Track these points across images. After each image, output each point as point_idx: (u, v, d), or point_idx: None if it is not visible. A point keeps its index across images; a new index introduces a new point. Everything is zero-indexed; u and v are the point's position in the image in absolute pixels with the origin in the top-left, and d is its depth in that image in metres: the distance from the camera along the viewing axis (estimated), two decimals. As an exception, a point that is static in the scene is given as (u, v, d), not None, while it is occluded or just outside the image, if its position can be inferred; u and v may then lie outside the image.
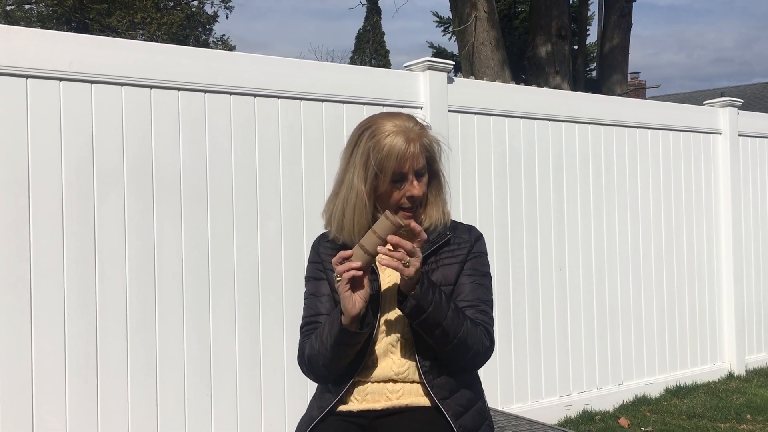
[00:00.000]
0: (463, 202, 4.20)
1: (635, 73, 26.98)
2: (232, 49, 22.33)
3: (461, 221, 2.00)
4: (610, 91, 9.72)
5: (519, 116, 4.53)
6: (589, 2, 13.17)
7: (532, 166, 4.59)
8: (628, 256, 5.03)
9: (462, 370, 1.83)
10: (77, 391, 3.03)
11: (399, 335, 1.81)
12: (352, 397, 1.82)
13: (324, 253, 1.92)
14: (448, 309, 1.73)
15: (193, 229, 3.33)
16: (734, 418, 4.53)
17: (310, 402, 1.92)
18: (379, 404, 1.79)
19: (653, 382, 5.11)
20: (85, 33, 3.20)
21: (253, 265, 3.49)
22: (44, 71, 3.00)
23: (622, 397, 4.90)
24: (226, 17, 30.79)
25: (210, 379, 3.35)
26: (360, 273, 1.67)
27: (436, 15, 15.59)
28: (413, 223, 1.73)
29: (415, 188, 1.81)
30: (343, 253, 1.70)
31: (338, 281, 1.69)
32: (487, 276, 1.91)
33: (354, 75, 3.94)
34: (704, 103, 5.80)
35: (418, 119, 1.89)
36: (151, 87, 3.25)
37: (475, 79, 5.63)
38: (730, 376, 5.55)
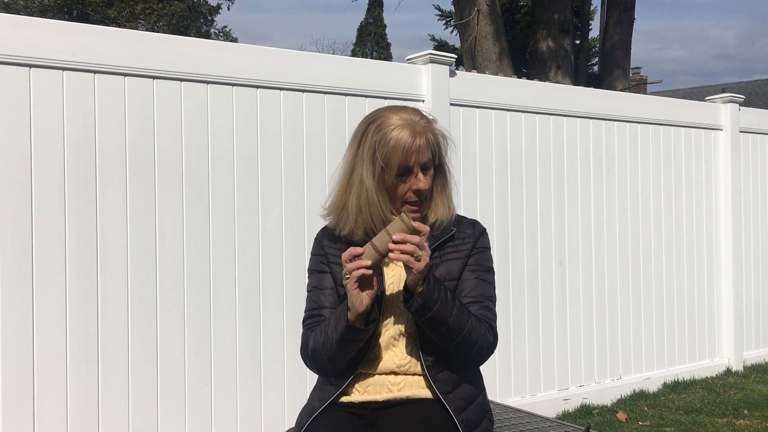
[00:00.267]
0: (464, 196, 4.21)
1: (637, 68, 26.94)
2: (233, 40, 22.31)
3: (463, 215, 2.00)
4: (611, 87, 9.71)
5: (520, 110, 4.53)
6: (592, -3, 13.14)
7: (533, 161, 4.59)
8: (627, 251, 5.04)
9: (466, 366, 1.85)
10: (78, 380, 3.04)
11: (402, 329, 1.81)
12: (353, 389, 1.83)
13: (328, 246, 1.92)
14: (454, 306, 1.74)
15: (195, 219, 3.34)
16: (731, 413, 4.55)
17: (311, 393, 1.93)
18: (380, 396, 1.79)
19: (651, 377, 5.13)
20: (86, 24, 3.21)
21: (254, 255, 3.50)
22: (47, 61, 3.00)
23: (620, 392, 4.92)
24: (228, 8, 30.70)
25: (210, 369, 3.36)
26: (370, 272, 1.68)
27: (438, 8, 15.56)
28: (419, 224, 1.71)
29: (421, 182, 1.81)
30: (353, 251, 1.69)
31: (347, 278, 1.69)
32: (491, 271, 1.92)
33: (356, 67, 3.94)
34: (706, 99, 5.80)
35: (424, 113, 1.89)
36: (154, 77, 3.25)
37: (477, 72, 5.62)
38: (728, 372, 5.57)
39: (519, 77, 5.97)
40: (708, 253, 5.57)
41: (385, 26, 31.74)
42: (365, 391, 1.81)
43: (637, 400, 4.85)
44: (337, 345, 1.75)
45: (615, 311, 4.97)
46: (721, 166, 5.67)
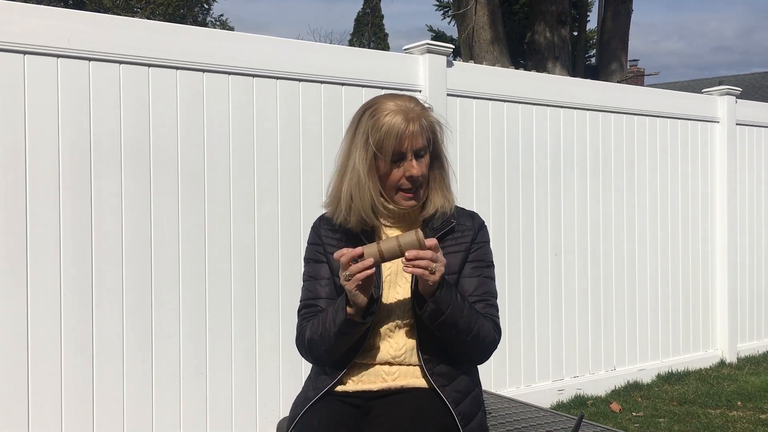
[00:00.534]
0: (461, 186, 4.20)
1: (634, 60, 26.91)
2: (230, 29, 22.19)
3: (462, 206, 1.99)
4: (608, 79, 9.71)
5: (518, 101, 4.53)
6: (590, -12, 13.11)
7: (530, 152, 4.59)
8: (623, 242, 5.05)
9: (471, 363, 1.86)
10: (73, 368, 3.04)
11: (398, 321, 1.81)
12: (348, 379, 1.82)
13: (325, 235, 1.91)
14: (464, 308, 1.75)
15: (190, 208, 3.33)
16: (725, 404, 4.57)
17: (306, 382, 1.92)
18: (375, 385, 1.80)
19: (645, 368, 5.14)
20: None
21: (249, 244, 3.49)
22: (42, 48, 2.98)
23: (615, 383, 4.94)
24: (224, -3, 30.59)
25: (205, 358, 3.37)
26: (372, 271, 1.67)
27: (436, -2, 15.49)
28: (429, 240, 1.69)
29: (414, 168, 1.80)
30: (352, 253, 1.67)
31: (347, 279, 1.67)
32: (491, 266, 1.92)
33: (353, 57, 3.93)
34: (703, 91, 5.80)
35: (420, 101, 1.88)
36: (149, 65, 3.23)
37: (475, 63, 5.61)
38: (722, 364, 5.60)
39: (516, 68, 5.96)
40: (703, 245, 5.58)
41: (382, 16, 31.64)
42: (360, 381, 1.81)
43: (631, 391, 4.87)
44: (335, 337, 1.75)
45: (610, 303, 4.98)
46: (718, 158, 5.68)
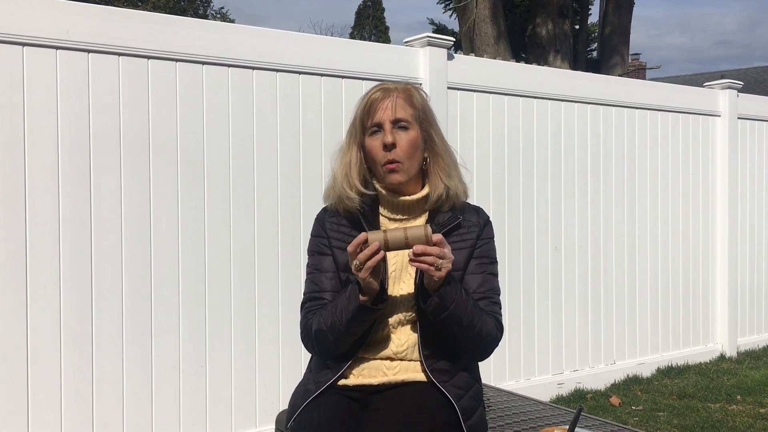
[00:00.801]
0: (461, 180, 4.19)
1: (636, 54, 26.86)
2: (231, 22, 22.14)
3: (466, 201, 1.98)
4: (609, 72, 9.68)
5: (519, 95, 4.52)
6: (592, -19, 13.06)
7: (531, 145, 4.58)
8: (623, 236, 5.04)
9: (472, 360, 1.86)
10: (72, 363, 3.04)
11: (401, 317, 1.81)
12: (349, 372, 1.82)
13: (330, 228, 1.89)
14: (468, 305, 1.74)
15: (189, 201, 3.33)
16: (724, 398, 4.57)
17: (305, 375, 1.92)
18: (375, 379, 1.79)
19: (645, 362, 5.15)
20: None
21: (248, 237, 3.49)
22: (41, 39, 2.97)
23: (614, 377, 4.94)
24: (225, -10, 30.48)
25: (205, 351, 3.37)
26: (381, 255, 1.66)
27: (437, -9, 15.43)
28: (437, 236, 1.68)
29: (388, 135, 1.79)
30: (358, 240, 1.66)
31: (358, 268, 1.66)
32: (495, 263, 1.92)
33: (353, 50, 3.91)
34: (704, 85, 5.78)
35: (414, 85, 1.91)
36: (149, 57, 3.22)
37: (475, 56, 5.59)
38: (722, 358, 5.60)
39: (517, 61, 5.94)
40: (704, 239, 5.57)
41: (383, 10, 31.54)
42: (360, 375, 1.81)
43: (630, 385, 4.87)
44: (346, 325, 1.73)
45: (610, 296, 4.98)
46: (719, 152, 5.66)
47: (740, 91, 5.79)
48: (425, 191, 1.87)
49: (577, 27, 12.05)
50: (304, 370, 1.97)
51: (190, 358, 3.33)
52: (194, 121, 3.34)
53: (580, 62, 11.19)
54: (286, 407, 1.91)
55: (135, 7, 19.63)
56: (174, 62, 3.29)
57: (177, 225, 3.29)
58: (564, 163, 4.73)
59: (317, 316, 1.82)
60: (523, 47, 11.58)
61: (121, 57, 3.15)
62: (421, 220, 1.88)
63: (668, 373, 5.16)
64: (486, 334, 1.78)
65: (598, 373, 4.88)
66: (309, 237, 1.96)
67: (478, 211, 1.94)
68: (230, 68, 3.44)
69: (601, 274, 4.92)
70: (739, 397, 4.61)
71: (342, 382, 1.80)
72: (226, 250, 3.43)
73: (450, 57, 4.21)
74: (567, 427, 1.98)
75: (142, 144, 3.21)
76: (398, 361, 1.80)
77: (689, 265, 5.47)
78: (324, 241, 1.90)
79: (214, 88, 3.40)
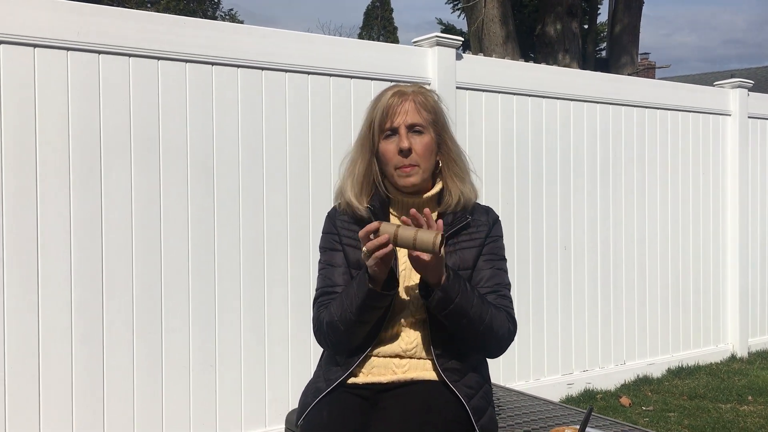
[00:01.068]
0: (470, 180, 4.19)
1: (645, 53, 26.76)
2: (239, 23, 22.20)
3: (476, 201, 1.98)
4: (619, 72, 9.65)
5: (527, 94, 4.51)
6: (601, -19, 13.02)
7: (540, 145, 4.57)
8: (633, 236, 5.02)
9: (488, 356, 1.86)
10: (82, 360, 3.05)
11: (411, 315, 1.81)
12: (359, 370, 1.82)
13: (341, 225, 1.91)
14: (474, 298, 1.73)
15: (199, 200, 3.34)
16: (735, 399, 4.55)
17: (315, 372, 1.92)
18: (384, 378, 1.79)
19: (655, 363, 5.12)
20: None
21: (258, 236, 3.50)
22: (52, 41, 2.99)
23: (624, 377, 4.93)
24: (234, -9, 30.57)
25: (214, 349, 3.38)
26: (390, 248, 1.66)
27: (446, -9, 15.42)
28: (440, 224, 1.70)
29: (404, 141, 1.80)
30: (369, 227, 1.67)
31: (366, 256, 1.67)
32: (504, 260, 1.92)
33: (362, 50, 3.92)
34: (714, 84, 5.75)
35: (427, 88, 1.91)
36: (159, 58, 3.24)
37: (484, 56, 5.58)
38: (733, 358, 5.57)
39: (526, 61, 5.93)
40: (714, 238, 5.54)
41: (392, 10, 31.52)
42: (369, 373, 1.81)
43: (640, 386, 4.85)
44: (357, 312, 1.73)
45: (620, 296, 4.96)
46: (729, 152, 5.63)
47: (751, 90, 5.76)
48: (435, 190, 1.88)
49: (586, 26, 12.01)
50: (314, 369, 1.97)
51: (199, 356, 3.34)
52: (204, 120, 3.36)
53: (589, 62, 11.16)
54: (296, 406, 1.91)
55: (145, 8, 19.72)
56: (184, 63, 3.30)
57: (186, 224, 3.31)
58: (573, 163, 4.72)
59: (328, 309, 1.82)
60: (531, 47, 11.55)
61: (131, 58, 3.17)
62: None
63: (679, 373, 5.13)
64: (498, 327, 1.77)
65: (608, 373, 4.86)
66: (319, 235, 1.97)
67: (487, 211, 1.95)
68: (239, 69, 3.45)
69: (611, 274, 4.90)
70: (750, 397, 4.59)
71: (351, 380, 1.81)
72: (235, 249, 3.44)
73: (458, 57, 4.21)
74: (578, 427, 1.98)
75: (152, 144, 3.22)
76: (408, 359, 1.80)
77: (700, 265, 5.44)
78: (335, 237, 1.91)
79: (224, 89, 3.41)
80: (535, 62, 6.54)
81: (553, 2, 9.13)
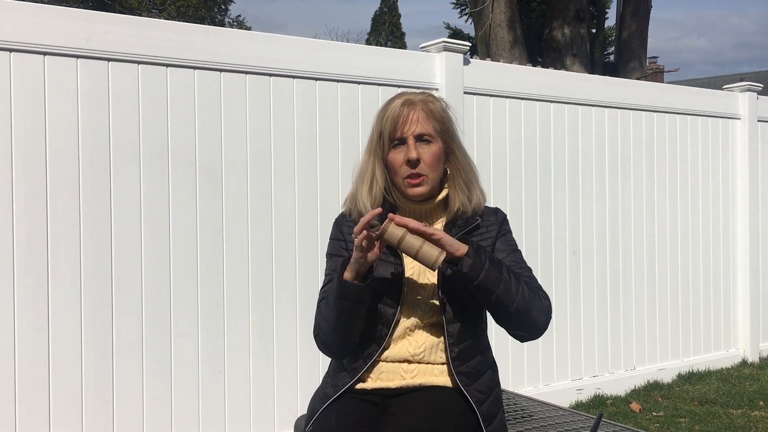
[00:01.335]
0: (478, 185, 4.18)
1: (654, 57, 26.68)
2: (247, 29, 22.30)
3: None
4: (627, 76, 9.62)
5: (535, 99, 4.50)
6: (608, -15, 13.01)
7: (548, 150, 4.56)
8: (642, 240, 5.00)
9: (530, 332, 1.81)
10: (92, 365, 3.06)
11: (418, 321, 1.81)
12: (367, 376, 1.82)
13: (347, 232, 1.91)
14: (503, 265, 1.74)
15: (208, 206, 3.35)
16: (747, 404, 4.52)
17: (324, 378, 1.93)
18: (393, 383, 1.79)
19: (666, 368, 5.09)
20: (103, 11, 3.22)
21: (266, 241, 3.50)
22: (61, 48, 3.01)
23: (634, 382, 4.90)
24: (242, -3, 30.69)
25: (223, 355, 3.38)
26: (366, 235, 1.67)
27: (453, -4, 15.45)
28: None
29: (412, 151, 1.80)
30: (374, 212, 1.68)
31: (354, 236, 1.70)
32: (518, 251, 1.93)
33: (369, 56, 3.93)
34: (723, 87, 5.73)
35: (435, 95, 1.91)
36: (167, 65, 3.25)
37: (491, 61, 5.58)
38: (744, 363, 5.53)
39: (534, 66, 5.92)
40: (724, 243, 5.51)
41: (399, 15, 31.55)
42: (378, 378, 1.81)
43: (651, 391, 4.82)
44: (334, 306, 1.74)
45: (629, 301, 4.94)
46: (739, 156, 5.61)
47: (760, 93, 5.73)
48: (442, 195, 1.88)
49: (594, 31, 12.00)
50: (322, 375, 1.97)
51: (208, 362, 3.34)
52: (212, 127, 3.37)
53: (598, 66, 11.13)
54: (305, 412, 1.91)
55: (154, 15, 19.85)
56: (192, 70, 3.32)
57: (195, 230, 3.32)
58: (582, 168, 4.71)
59: (318, 309, 1.85)
60: (539, 51, 11.54)
61: (140, 65, 3.19)
62: (439, 225, 1.89)
63: (689, 378, 5.10)
64: (533, 297, 1.76)
65: (618, 378, 4.83)
66: (327, 240, 1.98)
67: (496, 211, 1.96)
68: (247, 75, 3.47)
69: (620, 279, 4.88)
70: (761, 402, 4.55)
71: (360, 386, 1.81)
72: (243, 255, 3.44)
73: (466, 62, 4.21)
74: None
75: (161, 150, 3.24)
76: (416, 364, 1.80)
77: (710, 269, 5.41)
78: (342, 244, 1.91)
79: (232, 95, 3.42)
80: (542, 67, 6.53)
81: (561, 7, 9.12)
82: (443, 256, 1.66)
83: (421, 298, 1.81)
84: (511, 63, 5.72)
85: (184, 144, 3.29)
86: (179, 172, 3.28)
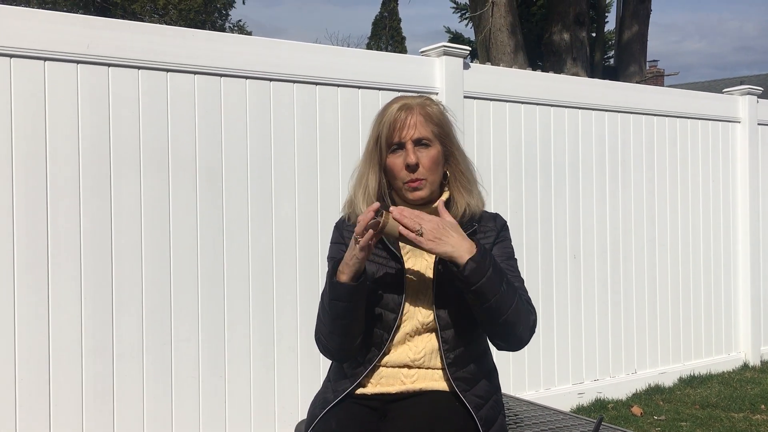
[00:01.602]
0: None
1: (654, 61, 26.72)
2: (248, 34, 22.34)
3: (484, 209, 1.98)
4: (627, 80, 9.63)
5: (535, 103, 4.51)
6: (608, -11, 13.03)
7: (548, 154, 4.56)
8: (643, 244, 5.00)
9: (511, 345, 1.79)
10: (92, 370, 3.06)
11: (418, 326, 1.80)
12: (367, 381, 1.82)
13: (347, 236, 1.91)
14: (505, 275, 1.71)
15: (209, 210, 3.35)
16: (748, 408, 4.51)
17: (324, 383, 1.92)
18: (393, 388, 1.79)
19: (667, 372, 5.09)
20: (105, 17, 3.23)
21: (267, 246, 3.51)
22: (61, 54, 3.02)
23: (636, 386, 4.89)
24: (243, 2, 30.74)
25: (224, 360, 3.38)
26: (369, 219, 1.66)
27: (453, 0, 15.45)
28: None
29: (411, 156, 1.79)
30: (374, 206, 1.67)
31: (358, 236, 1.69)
32: (514, 259, 1.91)
33: (369, 60, 3.93)
34: (723, 91, 5.74)
35: (432, 99, 1.91)
36: (168, 70, 3.26)
37: (492, 65, 5.59)
38: (745, 367, 5.52)
39: (534, 69, 5.93)
40: (725, 246, 5.51)
41: (399, 20, 31.62)
42: (378, 383, 1.81)
43: (652, 395, 4.82)
44: (329, 309, 1.74)
45: (630, 305, 4.93)
46: (739, 159, 5.61)
47: (760, 96, 5.74)
48: (442, 200, 1.87)
49: (594, 35, 12.01)
50: (323, 380, 1.97)
51: (208, 367, 3.34)
52: (212, 131, 3.37)
53: (598, 70, 11.15)
54: (305, 417, 1.91)
55: (155, 20, 19.89)
56: (192, 75, 3.32)
57: (196, 235, 3.32)
58: (582, 172, 4.71)
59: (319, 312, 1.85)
60: (539, 55, 11.56)
61: (140, 70, 3.20)
62: None
63: (691, 382, 5.10)
64: (523, 312, 1.74)
65: (620, 382, 4.83)
66: (328, 245, 1.99)
67: (495, 217, 1.95)
68: (248, 80, 3.47)
69: (621, 283, 4.88)
70: (763, 406, 4.54)
71: (360, 391, 1.80)
72: (244, 260, 3.44)
73: (466, 66, 4.22)
74: None
75: (162, 155, 3.24)
76: (416, 369, 1.80)
77: (711, 273, 5.41)
78: (342, 247, 1.91)
79: (232, 100, 3.43)
80: (542, 71, 6.54)
81: (560, 11, 9.13)
82: (391, 214, 1.67)
83: (420, 303, 1.81)
84: (511, 67, 5.73)
85: (185, 149, 3.30)
86: (180, 176, 3.28)
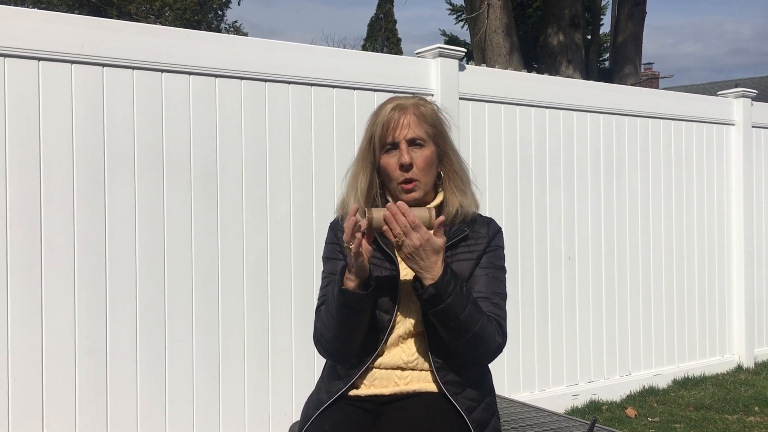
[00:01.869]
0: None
1: (649, 63, 26.80)
2: (244, 35, 22.30)
3: (479, 212, 1.97)
4: (622, 82, 9.65)
5: (530, 105, 4.51)
6: (604, -9, 13.05)
7: (543, 156, 4.57)
8: (638, 246, 5.01)
9: (470, 364, 1.81)
10: (86, 372, 3.05)
11: (411, 328, 1.80)
12: (360, 382, 1.81)
13: (341, 237, 1.91)
14: (466, 303, 1.70)
15: (203, 212, 3.35)
16: (742, 410, 4.52)
17: (318, 384, 1.92)
18: (387, 389, 1.79)
19: (661, 373, 5.10)
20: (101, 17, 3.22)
21: (262, 247, 3.50)
22: (56, 54, 3.01)
23: (630, 388, 4.90)
24: (238, 3, 30.72)
25: (218, 361, 3.37)
26: (356, 221, 1.65)
27: (449, 2, 15.46)
28: (437, 220, 1.69)
29: (405, 156, 1.79)
30: (348, 225, 1.66)
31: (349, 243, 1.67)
32: (502, 269, 1.89)
33: (365, 61, 3.93)
34: (718, 93, 5.76)
35: (427, 99, 1.91)
36: (162, 71, 3.25)
37: (487, 66, 5.59)
38: (739, 369, 5.54)
39: (529, 71, 5.94)
40: (719, 248, 5.53)
41: (395, 22, 31.62)
42: (372, 385, 1.81)
43: (646, 397, 4.82)
44: (336, 315, 1.72)
45: (625, 307, 4.94)
46: (733, 161, 5.63)
47: (755, 99, 5.76)
48: (436, 202, 1.87)
49: (589, 37, 12.03)
50: (317, 380, 1.97)
51: (203, 368, 3.33)
52: (207, 132, 3.37)
53: (593, 72, 11.16)
54: (299, 418, 1.91)
55: (150, 21, 19.86)
56: (187, 75, 3.32)
57: (190, 236, 3.31)
58: (577, 174, 4.72)
59: (319, 315, 1.84)
60: (534, 57, 11.58)
61: (135, 70, 3.19)
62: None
63: (685, 384, 5.11)
64: (487, 338, 1.73)
65: (614, 384, 4.83)
66: (323, 246, 1.98)
67: (488, 222, 1.93)
68: (243, 81, 3.47)
69: (616, 285, 4.89)
70: (756, 408, 4.56)
71: (354, 392, 1.80)
72: (239, 261, 3.44)
73: (461, 68, 4.22)
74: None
75: (156, 156, 3.23)
76: (410, 370, 1.80)
77: (705, 275, 5.42)
78: (337, 247, 1.91)
79: (227, 101, 3.42)
80: (537, 72, 6.55)
81: (556, 13, 9.15)
82: (434, 213, 1.67)
83: (414, 306, 1.81)
84: (506, 69, 5.73)
85: (180, 149, 3.29)
86: (174, 177, 3.27)
